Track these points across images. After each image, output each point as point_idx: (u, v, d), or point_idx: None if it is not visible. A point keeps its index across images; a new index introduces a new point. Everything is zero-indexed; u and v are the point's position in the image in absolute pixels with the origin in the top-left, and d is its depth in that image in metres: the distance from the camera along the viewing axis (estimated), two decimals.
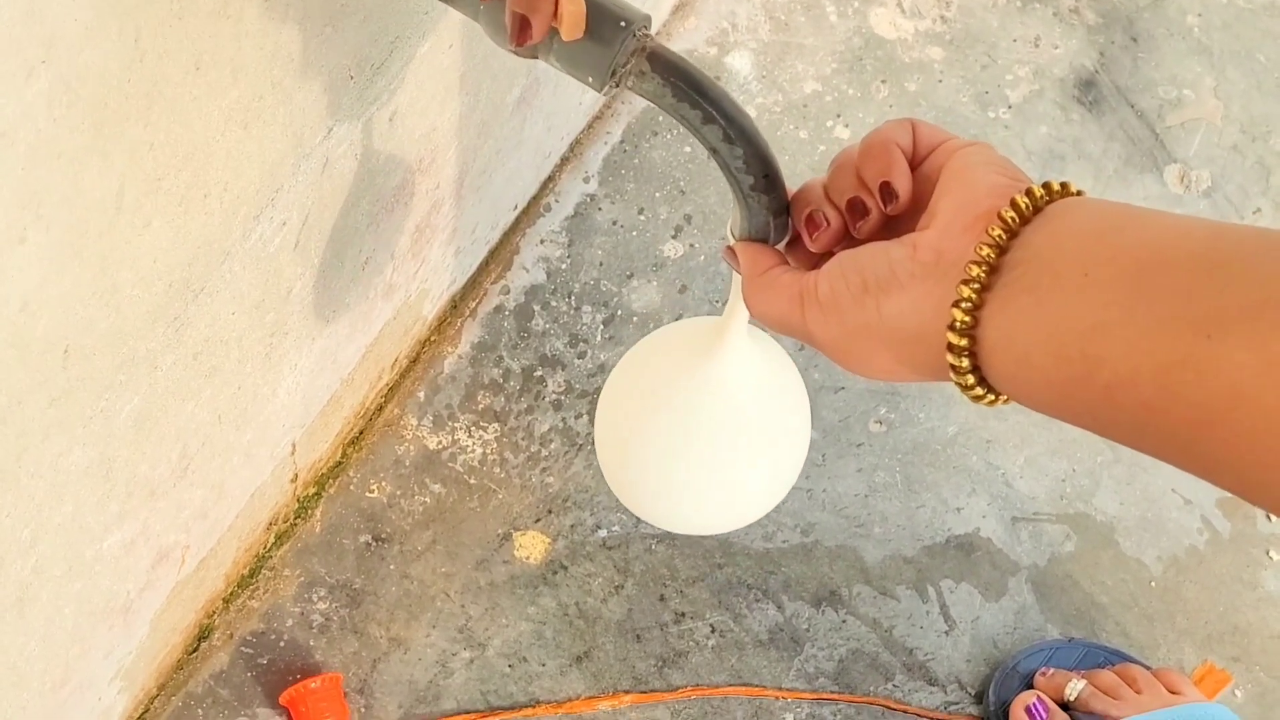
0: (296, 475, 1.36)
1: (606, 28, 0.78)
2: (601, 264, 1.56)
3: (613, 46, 0.78)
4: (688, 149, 1.61)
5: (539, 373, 1.50)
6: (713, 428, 0.99)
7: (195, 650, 1.35)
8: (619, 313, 1.54)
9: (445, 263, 1.43)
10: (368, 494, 1.43)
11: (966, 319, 0.64)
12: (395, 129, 1.16)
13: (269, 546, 1.39)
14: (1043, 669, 1.43)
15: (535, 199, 1.59)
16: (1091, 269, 0.62)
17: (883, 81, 1.70)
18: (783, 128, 1.66)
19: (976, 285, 0.64)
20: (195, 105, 0.85)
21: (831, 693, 1.42)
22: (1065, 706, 1.40)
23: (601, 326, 1.53)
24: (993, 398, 0.67)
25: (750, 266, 0.79)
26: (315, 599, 1.38)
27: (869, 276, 0.69)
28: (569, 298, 1.54)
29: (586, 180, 1.61)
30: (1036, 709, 1.39)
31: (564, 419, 1.48)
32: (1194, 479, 1.53)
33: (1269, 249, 0.58)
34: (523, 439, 1.47)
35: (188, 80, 0.83)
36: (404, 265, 1.33)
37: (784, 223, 0.81)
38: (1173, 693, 1.39)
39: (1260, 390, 0.55)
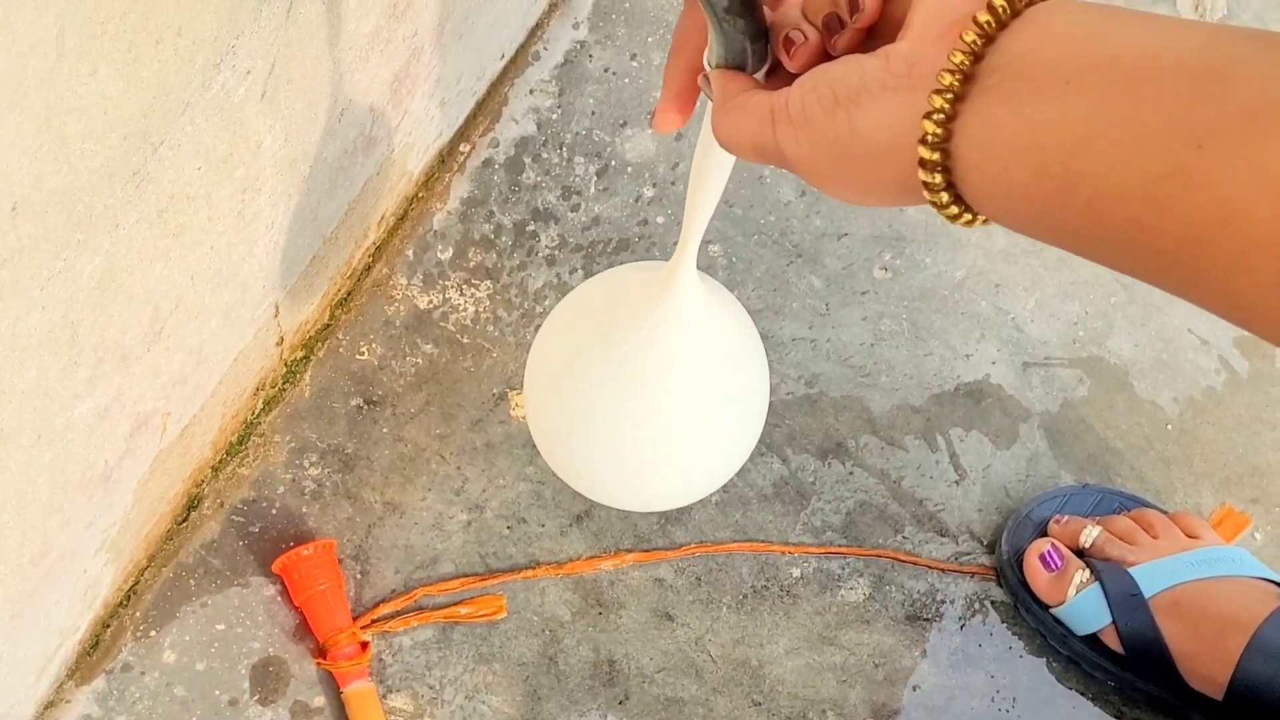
0: (282, 338, 1.32)
1: None
2: (594, 113, 1.51)
3: None
4: None
5: (531, 227, 1.46)
6: (662, 387, 0.93)
7: (185, 520, 1.32)
8: (613, 163, 1.49)
9: (430, 115, 1.38)
10: (358, 356, 1.39)
11: (939, 131, 0.61)
12: None
13: (257, 412, 1.35)
14: (1057, 516, 1.39)
15: (523, 47, 1.53)
16: (1073, 76, 0.58)
17: None
18: None
19: (949, 95, 0.60)
20: None
21: (839, 546, 1.38)
22: (1080, 554, 1.36)
23: (595, 178, 1.49)
24: (970, 217, 0.64)
25: (722, 92, 0.74)
26: (307, 465, 1.35)
27: (839, 88, 0.65)
28: (561, 149, 1.49)
29: (576, 26, 1.55)
30: (1051, 556, 1.35)
31: (558, 274, 1.44)
32: (1211, 318, 1.49)
33: (1268, 51, 0.54)
34: (516, 296, 1.43)
35: None
36: (384, 118, 1.28)
37: (762, 49, 0.76)
38: (1190, 537, 1.36)
39: (1254, 204, 0.51)
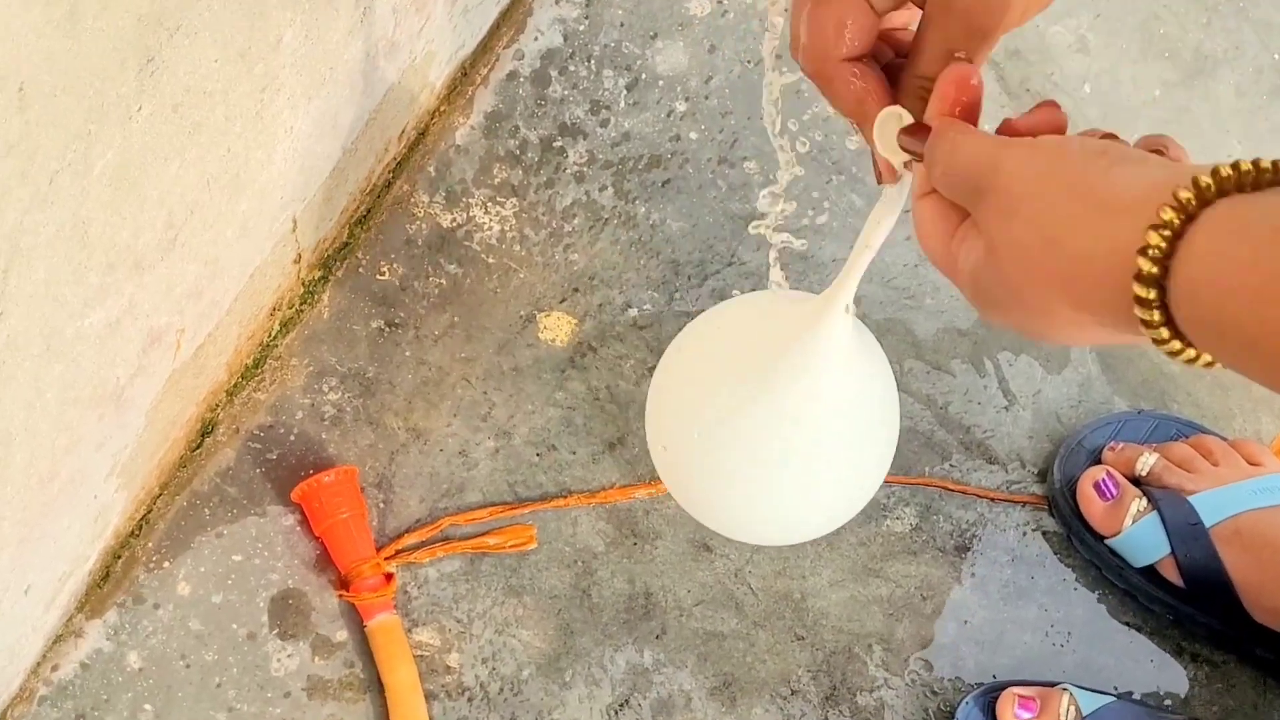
0: (300, 255, 1.25)
1: None
2: (622, 24, 1.44)
3: None
4: None
5: (559, 143, 1.39)
6: (811, 422, 0.89)
7: (199, 446, 1.25)
8: (643, 76, 1.42)
9: (452, 22, 1.31)
10: (378, 277, 1.32)
11: (1162, 245, 0.56)
12: None
13: (274, 334, 1.28)
14: (1111, 443, 1.33)
15: None
16: None
17: None
18: None
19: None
20: None
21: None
22: (1136, 482, 1.30)
23: (625, 91, 1.42)
24: (1192, 353, 0.58)
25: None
26: (326, 389, 1.28)
27: (1111, 149, 0.61)
28: (588, 61, 1.42)
29: None
30: (1106, 485, 1.29)
31: (587, 192, 1.37)
32: None
33: None
34: (544, 214, 1.36)
35: None
36: (406, 20, 1.22)
37: None
38: (1252, 464, 1.29)
39: None
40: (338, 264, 1.32)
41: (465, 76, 1.40)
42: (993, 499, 1.33)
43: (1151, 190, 0.57)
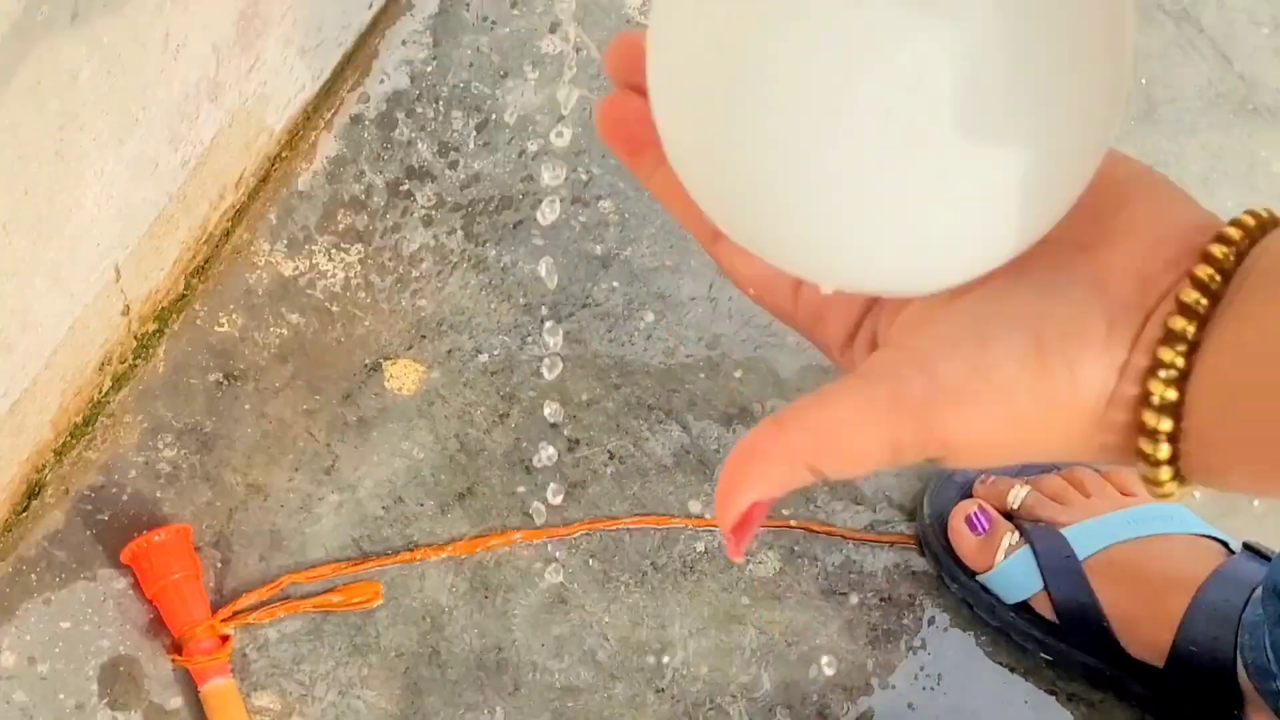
0: (128, 307, 1.20)
1: None
2: (472, 65, 1.40)
3: None
4: None
5: (405, 186, 1.34)
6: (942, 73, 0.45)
7: (25, 509, 1.20)
8: (493, 117, 1.38)
9: (288, 64, 1.27)
10: (217, 328, 1.27)
11: (1179, 360, 0.47)
12: None
13: (105, 391, 1.23)
14: (982, 476, 1.29)
15: None
16: None
17: None
18: None
19: (1197, 319, 0.47)
20: None
21: None
22: (1009, 515, 1.26)
23: (474, 133, 1.37)
24: (1176, 488, 0.49)
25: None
26: (161, 446, 1.23)
27: (1047, 327, 0.48)
28: (436, 103, 1.38)
29: None
30: (977, 518, 1.25)
31: (435, 235, 1.33)
32: None
33: None
34: (390, 259, 1.32)
35: None
36: (232, 60, 1.17)
37: None
38: (1125, 494, 1.26)
39: None
40: (174, 316, 1.27)
41: (308, 120, 1.35)
42: (860, 539, 1.28)
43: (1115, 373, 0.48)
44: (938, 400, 0.48)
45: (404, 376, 1.28)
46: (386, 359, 1.28)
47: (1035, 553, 1.22)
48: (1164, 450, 0.47)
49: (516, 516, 1.25)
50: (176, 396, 1.25)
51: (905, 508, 1.30)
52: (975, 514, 1.25)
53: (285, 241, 1.31)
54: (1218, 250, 0.47)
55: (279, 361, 1.27)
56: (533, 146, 1.38)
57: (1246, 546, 1.22)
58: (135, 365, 1.25)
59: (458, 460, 1.26)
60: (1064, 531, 1.22)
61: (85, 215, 1.07)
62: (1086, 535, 1.22)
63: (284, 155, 1.34)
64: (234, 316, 1.28)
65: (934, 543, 1.27)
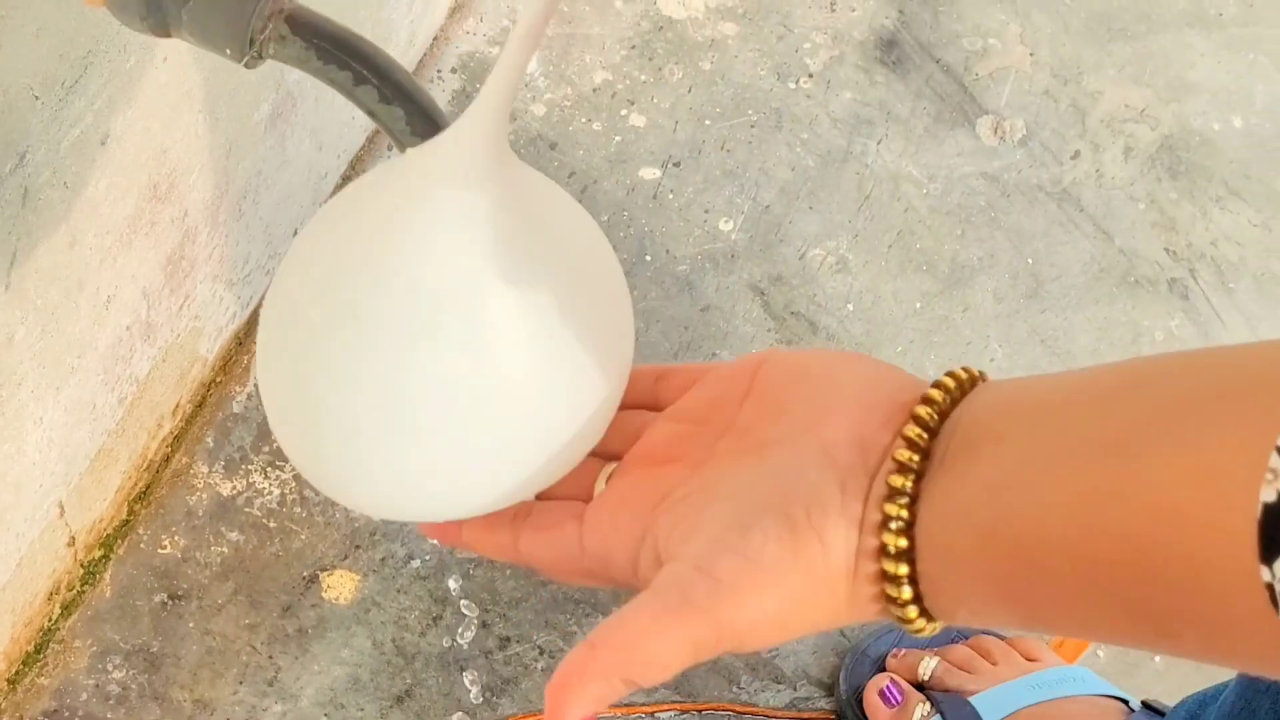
0: (74, 539, 1.27)
1: None
2: None
3: (245, 12, 0.70)
4: None
5: None
6: (457, 315, 0.58)
7: None
8: None
9: (217, 296, 1.35)
10: (160, 550, 1.34)
11: (903, 514, 0.54)
12: (113, 152, 1.08)
13: (54, 619, 1.29)
14: (894, 650, 1.35)
15: None
16: (1005, 429, 0.53)
17: (676, 63, 1.64)
18: (574, 121, 1.58)
19: (912, 474, 0.54)
20: None
21: (673, 703, 1.34)
22: (920, 686, 1.33)
23: None
24: (924, 623, 0.56)
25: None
26: (111, 668, 1.29)
27: (794, 505, 0.55)
28: None
29: None
30: (890, 691, 1.31)
31: None
32: None
33: (1190, 361, 0.50)
34: None
35: None
36: (162, 303, 1.25)
37: None
38: (1029, 660, 1.33)
39: (1181, 502, 0.45)
40: (118, 541, 1.33)
41: (240, 345, 1.43)
42: (782, 718, 1.35)
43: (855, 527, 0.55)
44: (720, 595, 0.54)
45: (340, 586, 1.35)
46: (323, 570, 1.35)
47: None
48: (906, 591, 0.54)
49: (455, 715, 1.31)
50: (124, 619, 1.31)
51: (824, 683, 1.37)
52: (888, 687, 1.31)
53: (223, 463, 1.38)
54: (923, 411, 0.55)
55: (221, 579, 1.33)
56: None
57: (1145, 705, 1.28)
58: (83, 591, 1.31)
59: (395, 663, 1.32)
60: (972, 700, 1.29)
61: (27, 460, 1.14)
62: (994, 702, 1.29)
63: (218, 380, 1.41)
64: (176, 538, 1.34)
65: (851, 717, 1.33)
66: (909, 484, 0.54)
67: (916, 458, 0.54)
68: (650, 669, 0.55)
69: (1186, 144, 1.65)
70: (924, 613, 0.55)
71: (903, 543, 0.54)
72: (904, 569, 0.54)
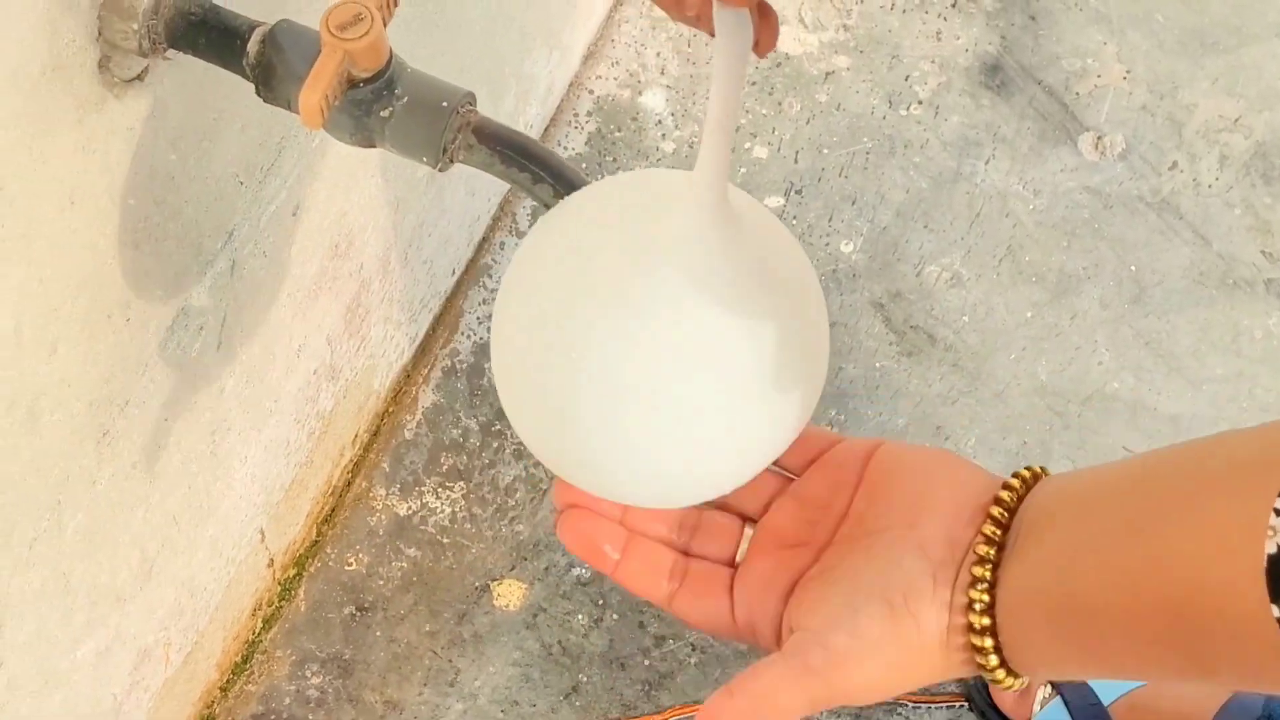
0: (273, 560, 1.42)
1: (430, 111, 0.84)
2: None
3: (439, 127, 0.84)
4: None
5: (496, 426, 1.56)
6: (680, 347, 0.69)
7: None
8: None
9: (388, 336, 1.49)
10: (346, 567, 1.49)
11: (984, 598, 0.65)
12: (302, 221, 1.23)
13: (258, 632, 1.45)
14: None
15: (473, 261, 1.65)
16: (1059, 510, 0.65)
17: (794, 96, 1.76)
18: None
19: (989, 564, 0.65)
20: (76, 237, 0.91)
21: None
22: None
23: None
24: (1013, 680, 0.66)
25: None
26: (309, 675, 1.44)
27: (893, 593, 0.67)
28: None
29: (520, 235, 1.66)
30: None
31: (526, 467, 1.54)
32: (1145, 437, 1.58)
33: (1192, 451, 0.61)
34: (489, 492, 1.53)
35: (64, 215, 0.89)
36: (342, 346, 1.40)
37: None
38: None
39: (1211, 567, 0.56)
40: (310, 560, 1.48)
41: (408, 379, 1.58)
42: (916, 702, 1.47)
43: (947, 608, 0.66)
44: (833, 663, 0.66)
45: (509, 594, 1.49)
46: (493, 580, 1.49)
47: (1066, 702, 1.40)
48: (993, 660, 0.66)
49: (617, 708, 1.45)
50: (318, 630, 1.46)
51: None
52: None
53: (398, 486, 1.53)
54: (996, 511, 0.67)
55: (402, 591, 1.48)
56: None
57: None
58: (281, 607, 1.46)
59: (561, 663, 1.46)
60: (1090, 682, 1.40)
61: (235, 494, 1.29)
62: (1109, 684, 1.40)
63: (390, 411, 1.56)
64: (360, 556, 1.49)
65: (979, 699, 1.46)
66: (987, 573, 0.66)
67: (992, 551, 0.66)
68: (774, 715, 0.68)
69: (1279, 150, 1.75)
70: (1010, 672, 0.67)
71: (985, 620, 0.65)
72: (988, 642, 0.65)
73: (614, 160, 1.70)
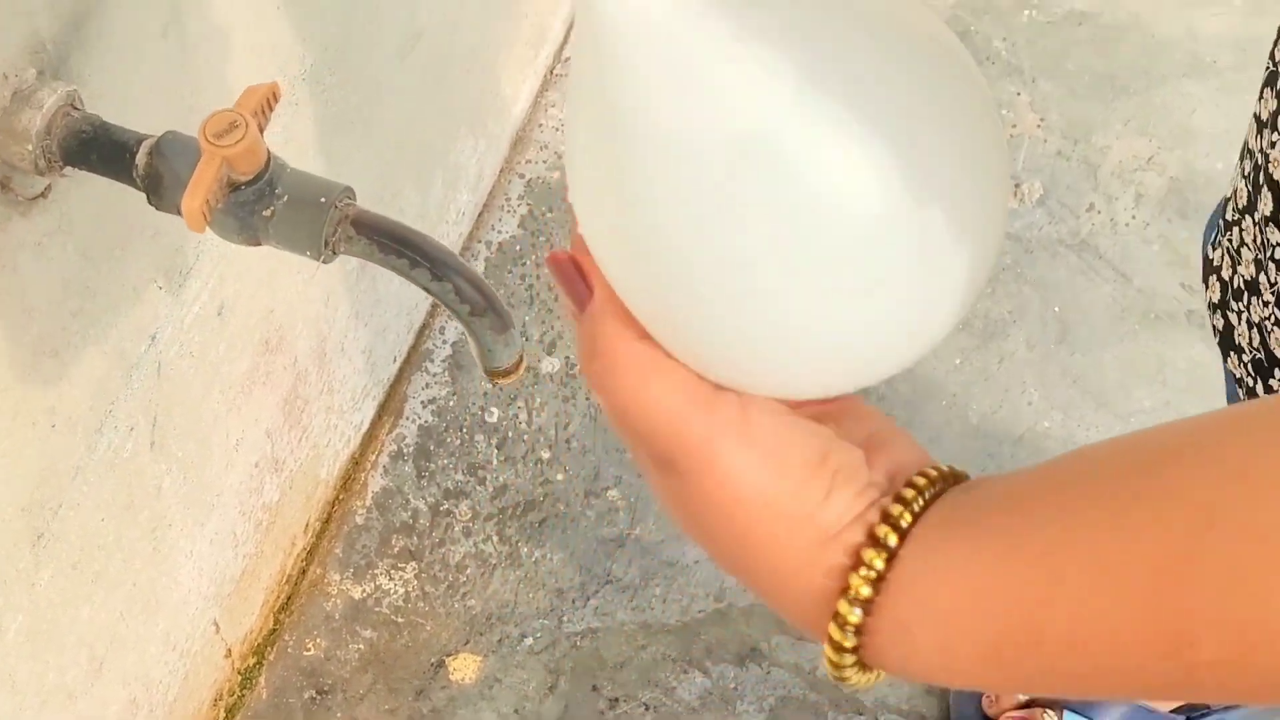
0: (230, 650, 1.46)
1: (310, 207, 0.89)
2: (486, 393, 1.67)
3: (319, 222, 0.89)
4: (544, 273, 1.72)
5: (445, 506, 1.60)
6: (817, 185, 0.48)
7: None
8: (510, 434, 1.65)
9: (331, 426, 1.54)
10: (305, 653, 1.53)
11: (878, 563, 0.55)
12: (228, 320, 1.27)
13: None
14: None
15: (414, 348, 1.69)
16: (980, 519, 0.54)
17: None
18: None
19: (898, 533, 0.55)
20: None
21: None
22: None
23: (496, 450, 1.64)
24: (858, 677, 0.56)
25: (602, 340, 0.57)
26: None
27: (833, 459, 0.56)
28: (461, 430, 1.65)
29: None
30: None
31: (475, 544, 1.58)
32: None
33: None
34: (440, 570, 1.57)
35: None
36: (283, 438, 1.44)
37: (508, 337, 0.91)
38: None
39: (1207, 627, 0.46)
40: (269, 648, 1.52)
41: (355, 465, 1.62)
42: None
43: (857, 524, 0.56)
44: (726, 425, 0.56)
45: (465, 668, 1.53)
46: (448, 655, 1.53)
47: None
48: (865, 590, 0.55)
49: None
50: (279, 716, 1.50)
51: (903, 710, 1.53)
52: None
53: (352, 570, 1.57)
54: (920, 481, 0.57)
55: (360, 672, 1.52)
56: (545, 454, 1.63)
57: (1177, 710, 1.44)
58: (243, 695, 1.50)
59: None
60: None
61: (183, 589, 1.33)
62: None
63: (340, 498, 1.61)
64: (318, 640, 1.53)
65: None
66: (893, 538, 0.55)
67: (893, 533, 0.56)
68: (624, 378, 0.56)
69: (1193, 185, 1.80)
70: (859, 633, 0.56)
71: (893, 540, 0.55)
72: (879, 564, 0.55)
73: (547, 240, 1.75)
